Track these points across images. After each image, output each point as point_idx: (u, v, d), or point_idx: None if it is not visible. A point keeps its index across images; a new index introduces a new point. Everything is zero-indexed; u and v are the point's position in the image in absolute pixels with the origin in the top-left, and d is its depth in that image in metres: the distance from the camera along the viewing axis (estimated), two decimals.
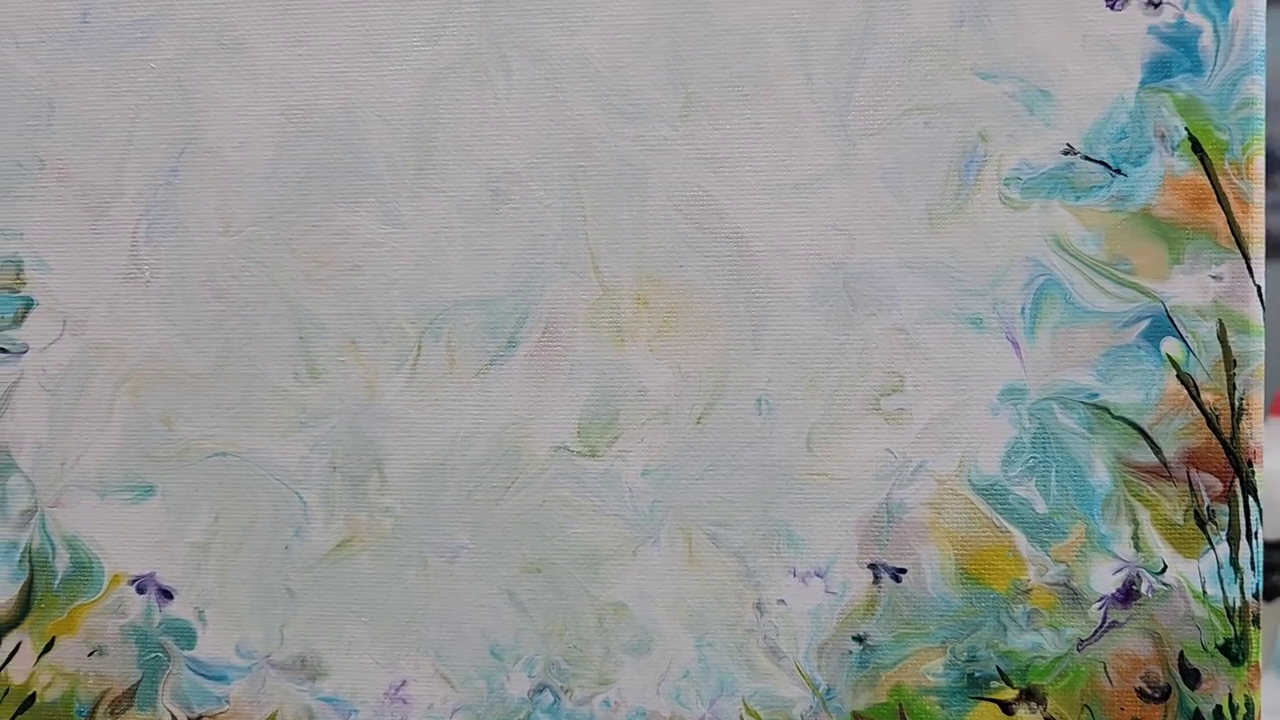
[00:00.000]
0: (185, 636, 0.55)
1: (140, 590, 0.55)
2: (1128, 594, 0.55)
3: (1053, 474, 0.52)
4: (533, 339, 0.52)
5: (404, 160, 0.53)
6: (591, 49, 0.52)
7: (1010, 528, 0.55)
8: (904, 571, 0.56)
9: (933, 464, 0.52)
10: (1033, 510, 0.54)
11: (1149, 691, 0.55)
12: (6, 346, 0.56)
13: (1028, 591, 0.55)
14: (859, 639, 0.56)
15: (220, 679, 0.54)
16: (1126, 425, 0.54)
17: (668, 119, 0.52)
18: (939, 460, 0.52)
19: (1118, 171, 0.54)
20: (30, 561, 0.56)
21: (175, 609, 0.55)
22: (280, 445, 0.54)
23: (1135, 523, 0.54)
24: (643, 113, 0.52)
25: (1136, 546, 0.54)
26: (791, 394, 0.53)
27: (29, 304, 0.56)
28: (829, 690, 0.52)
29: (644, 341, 0.53)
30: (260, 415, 0.54)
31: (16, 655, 0.56)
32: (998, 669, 0.56)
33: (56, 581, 0.56)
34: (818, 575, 0.56)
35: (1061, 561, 0.55)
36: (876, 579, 0.57)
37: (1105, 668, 0.55)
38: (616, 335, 0.53)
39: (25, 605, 0.61)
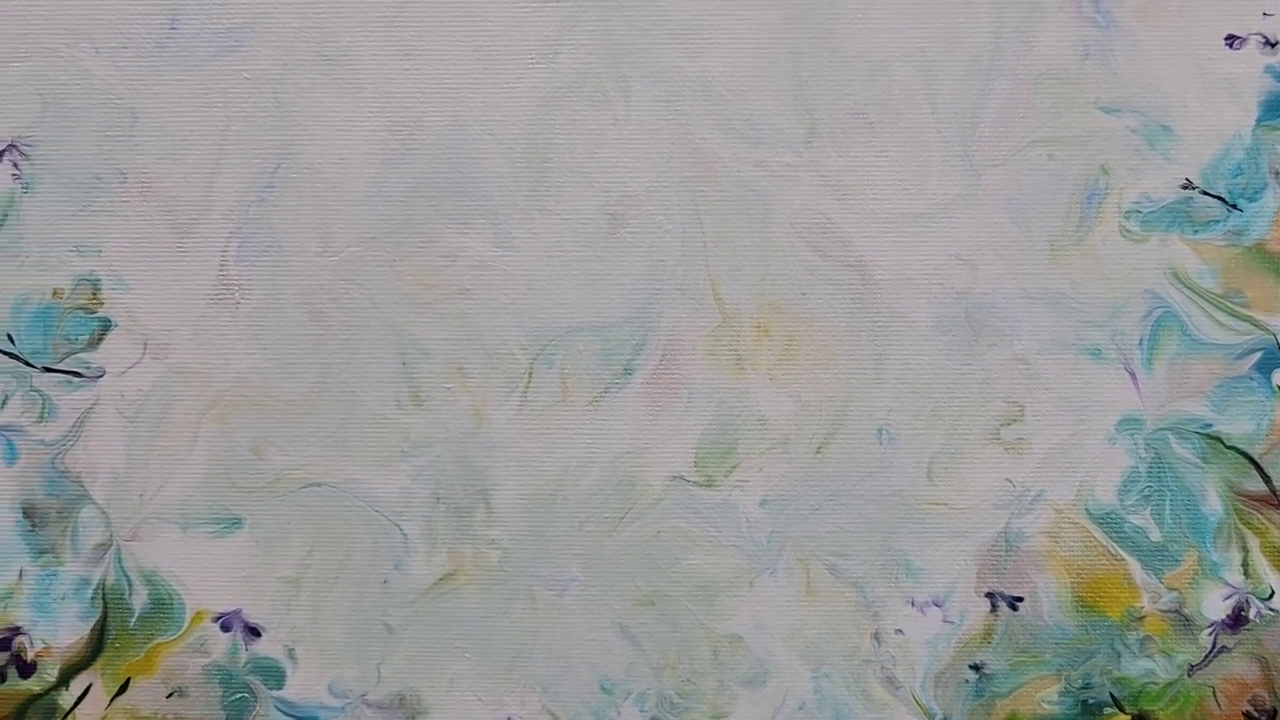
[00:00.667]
0: (274, 676, 0.51)
1: (225, 628, 0.51)
2: (1237, 620, 0.56)
3: (1167, 503, 0.52)
4: (649, 366, 0.51)
5: (517, 181, 0.50)
6: (714, 71, 0.50)
7: (1125, 556, 0.56)
8: (1021, 600, 0.55)
9: (1051, 493, 0.51)
10: (1147, 538, 0.53)
11: (1255, 714, 0.56)
12: (81, 370, 0.51)
13: (1141, 618, 0.55)
14: (975, 668, 0.56)
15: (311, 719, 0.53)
16: (1238, 455, 0.52)
17: (792, 145, 0.51)
18: (1057, 489, 0.52)
19: (1234, 206, 0.55)
20: (104, 598, 0.51)
21: (263, 647, 0.51)
22: (380, 475, 0.51)
23: (1245, 550, 0.55)
24: (766, 138, 0.51)
25: (1246, 573, 0.55)
26: (913, 423, 0.51)
27: (107, 325, 0.51)
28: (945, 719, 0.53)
29: (764, 370, 0.51)
30: (359, 444, 0.51)
31: (86, 698, 0.51)
32: (1111, 695, 0.56)
33: (133, 619, 0.51)
34: (935, 605, 0.55)
35: (1174, 589, 0.55)
36: (994, 608, 0.56)
37: (1214, 692, 0.56)
38: (736, 363, 0.51)
39: (97, 645, 0.56)
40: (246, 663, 0.55)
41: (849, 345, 0.54)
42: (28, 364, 0.51)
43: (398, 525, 0.51)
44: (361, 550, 0.51)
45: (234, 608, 0.51)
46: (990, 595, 0.54)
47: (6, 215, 0.51)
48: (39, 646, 0.54)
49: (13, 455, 0.52)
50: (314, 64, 0.51)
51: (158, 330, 0.51)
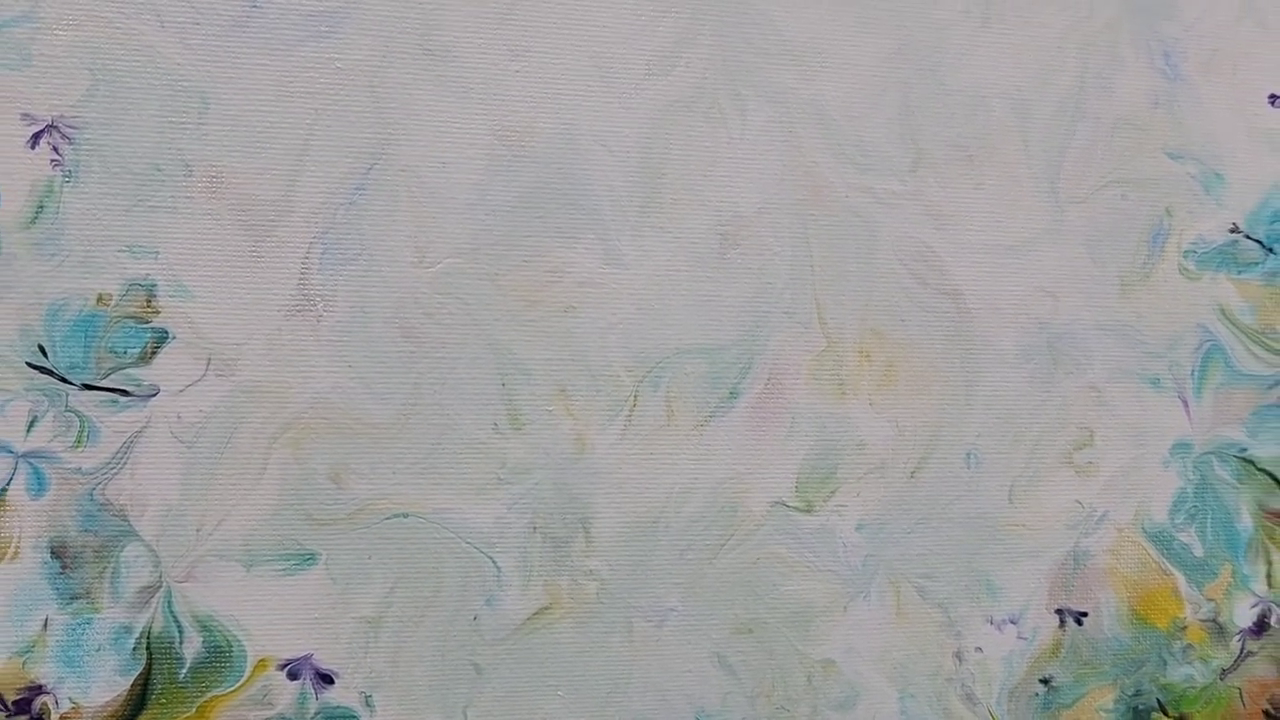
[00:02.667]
0: None
1: (292, 676, 0.44)
2: (1261, 626, 0.59)
3: (1208, 521, 0.51)
4: (755, 390, 0.47)
5: (629, 196, 0.45)
6: (828, 95, 0.47)
7: (1173, 570, 0.54)
8: (1085, 615, 0.51)
9: (1114, 514, 0.50)
10: (1191, 554, 0.51)
11: (1273, 712, 0.60)
12: (130, 388, 0.42)
13: (1184, 628, 0.56)
14: (1045, 681, 0.55)
15: None
16: (1267, 476, 0.53)
17: (897, 173, 0.48)
18: (1119, 510, 0.51)
19: (1270, 250, 0.59)
20: (148, 648, 0.42)
21: (336, 695, 0.44)
22: (474, 505, 0.45)
23: (1269, 562, 0.59)
24: (874, 165, 0.48)
25: (1270, 583, 0.59)
26: (997, 448, 0.49)
27: (163, 337, 0.42)
28: None
29: (865, 395, 0.48)
30: (452, 471, 0.45)
31: None
32: (1157, 701, 0.58)
33: (183, 671, 0.43)
34: (1012, 622, 0.55)
35: (1212, 600, 0.53)
36: (1062, 623, 0.51)
37: (1240, 693, 0.59)
38: (838, 388, 0.48)
39: (139, 702, 0.42)
40: (316, 713, 0.44)
41: (943, 371, 0.53)
42: (63, 380, 0.42)
43: (490, 558, 0.45)
44: (450, 585, 0.45)
45: (303, 653, 0.44)
46: (1059, 611, 0.56)
47: (43, 207, 0.41)
48: (66, 707, 0.42)
49: (41, 486, 0.42)
50: (415, 57, 0.44)
51: (225, 344, 0.43)
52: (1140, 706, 0.52)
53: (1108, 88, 0.50)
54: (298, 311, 0.44)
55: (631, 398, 0.46)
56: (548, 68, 0.45)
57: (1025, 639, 0.50)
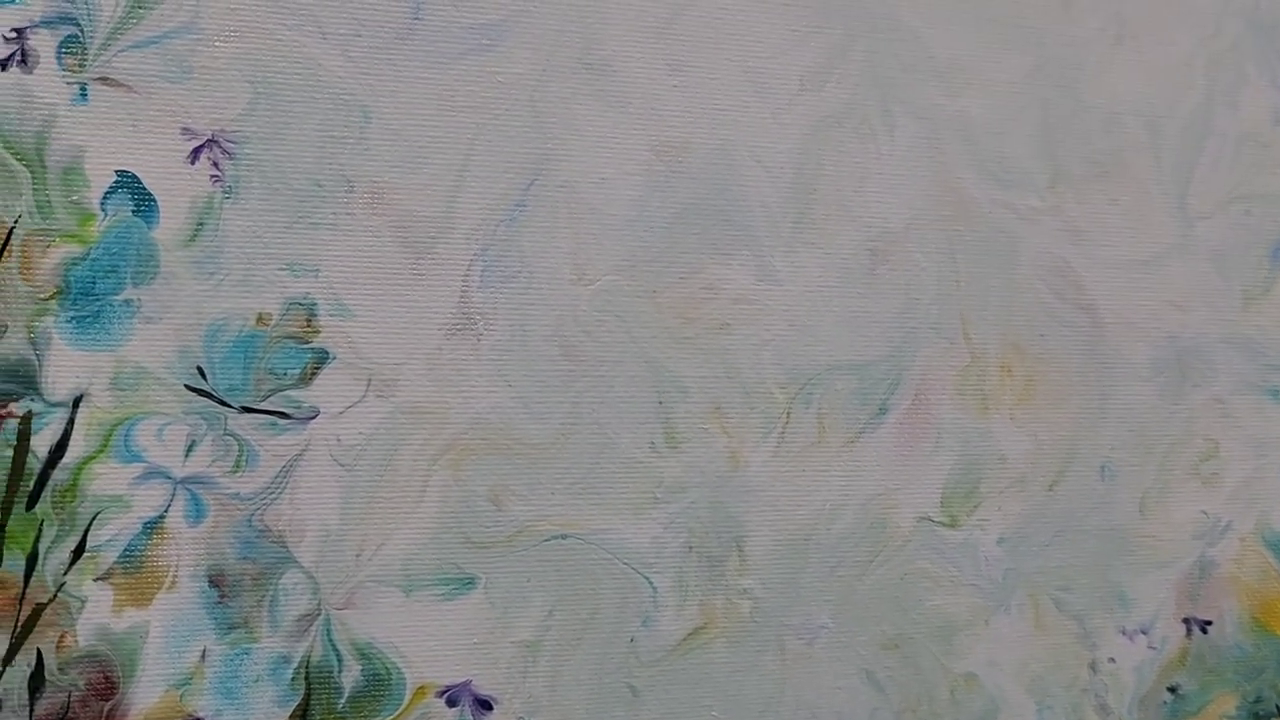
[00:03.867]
0: None
1: (451, 702, 0.42)
2: None
3: None
4: (903, 406, 0.45)
5: (783, 211, 0.43)
6: (973, 112, 0.46)
7: None
8: (1210, 623, 0.49)
9: (1237, 523, 0.50)
10: None
11: None
12: (290, 410, 0.39)
13: None
14: (1172, 689, 0.49)
15: None
16: None
17: (1037, 189, 0.47)
18: (1242, 520, 0.50)
19: None
20: (307, 678, 0.40)
21: None
22: (631, 524, 0.43)
23: None
24: (1016, 181, 0.46)
25: None
26: (1130, 460, 0.48)
27: (323, 357, 0.40)
28: None
29: (1006, 409, 0.46)
30: (610, 490, 0.42)
31: None
32: (1276, 707, 0.58)
33: (342, 701, 0.40)
34: (1143, 632, 0.55)
35: None
36: (1189, 632, 0.49)
37: None
38: (981, 403, 0.46)
39: None
40: None
41: (1079, 385, 0.47)
42: (222, 403, 0.39)
43: (647, 578, 0.43)
44: (607, 607, 0.43)
45: (462, 679, 0.42)
46: (1186, 621, 0.55)
47: (203, 224, 0.38)
48: None
49: (199, 512, 0.39)
50: (575, 72, 0.41)
51: (385, 364, 0.40)
52: (1261, 713, 0.52)
53: (1233, 104, 0.50)
54: (458, 330, 0.42)
55: (784, 415, 0.45)
56: (704, 83, 0.44)
57: (1155, 649, 0.50)
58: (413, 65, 0.41)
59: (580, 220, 0.42)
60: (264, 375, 0.40)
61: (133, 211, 0.39)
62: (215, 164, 0.39)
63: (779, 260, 0.44)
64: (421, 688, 0.42)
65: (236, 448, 0.40)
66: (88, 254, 0.38)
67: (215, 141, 0.39)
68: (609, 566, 0.43)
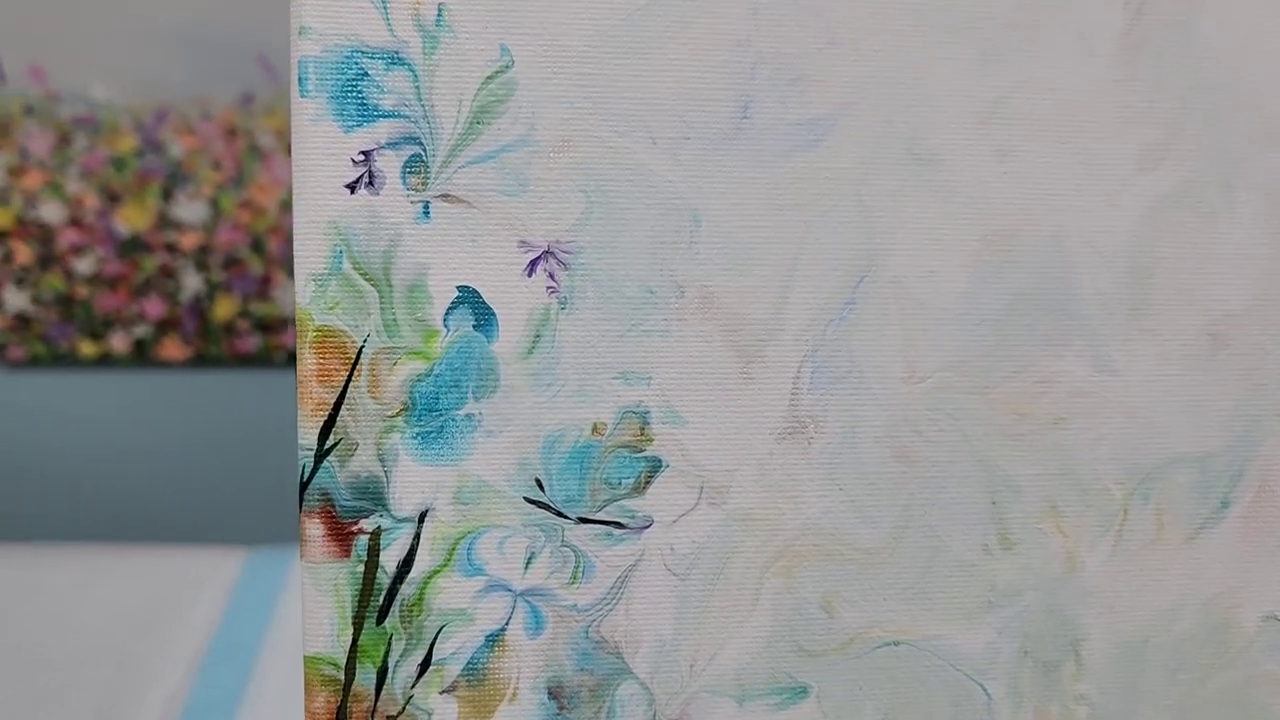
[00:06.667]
0: None
1: None
2: None
3: None
4: (1246, 499, 0.41)
5: (1118, 298, 0.39)
6: None
7: None
8: None
9: None
10: None
11: None
12: (624, 520, 0.37)
13: None
14: None
15: None
16: None
17: None
18: None
19: None
20: None
21: None
22: (964, 629, 0.39)
23: None
24: None
25: None
26: None
27: (656, 466, 0.38)
28: None
29: None
30: (942, 595, 0.39)
31: None
32: None
33: None
34: None
35: None
36: None
37: None
38: None
39: None
40: None
41: None
42: (560, 514, 0.37)
43: (981, 685, 0.39)
44: (941, 715, 0.40)
45: None
46: None
47: (540, 336, 0.36)
48: None
49: (538, 625, 0.37)
50: (902, 163, 0.37)
51: (716, 471, 0.37)
52: None
53: None
54: (789, 434, 0.40)
55: (1121, 511, 0.42)
56: (1034, 168, 0.40)
57: None
58: (741, 165, 0.38)
59: (910, 316, 0.39)
60: (599, 485, 0.38)
61: (473, 326, 0.37)
62: (551, 275, 0.37)
63: (1115, 350, 0.40)
64: None
65: (574, 559, 0.38)
66: (431, 370, 0.37)
67: (551, 253, 0.38)
68: (942, 673, 0.40)
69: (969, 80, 0.35)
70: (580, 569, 0.34)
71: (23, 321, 1.28)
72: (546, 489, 0.34)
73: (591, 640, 0.34)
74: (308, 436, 0.33)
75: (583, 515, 0.34)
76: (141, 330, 1.29)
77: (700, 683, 0.35)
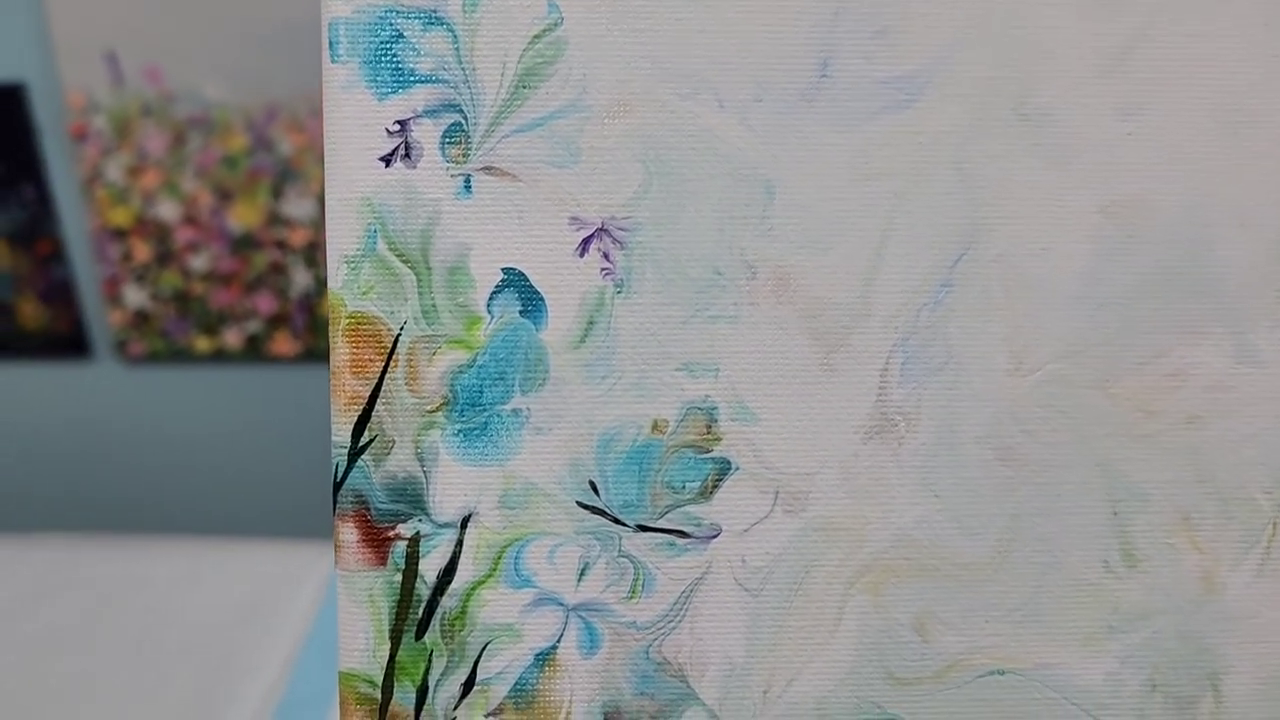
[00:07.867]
0: None
1: None
2: None
3: None
4: None
5: (1265, 278, 0.33)
6: None
7: None
8: None
9: None
10: None
11: None
12: (689, 529, 0.32)
13: None
14: None
15: None
16: None
17: None
18: None
19: None
20: None
21: None
22: (1081, 658, 0.34)
23: None
24: None
25: None
26: None
27: (725, 468, 0.33)
28: None
29: None
30: (1056, 618, 0.34)
31: None
32: None
33: None
34: None
35: None
36: None
37: None
38: None
39: None
40: None
41: None
42: (617, 521, 0.32)
43: None
44: None
45: None
46: None
47: (593, 323, 0.32)
48: None
49: (593, 643, 0.33)
50: (1009, 124, 0.32)
51: (794, 475, 0.33)
52: None
53: None
54: (876, 433, 0.35)
55: (1270, 525, 0.35)
56: (1166, 128, 0.34)
57: None
58: (820, 130, 0.33)
59: (1017, 299, 0.34)
60: (660, 489, 0.33)
61: (520, 312, 0.33)
62: (606, 255, 0.33)
63: (1261, 337, 0.34)
64: None
65: (632, 571, 0.33)
66: (474, 360, 0.33)
67: (605, 230, 0.33)
68: (1054, 708, 0.34)
69: (1086, 26, 0.29)
70: (640, 582, 0.30)
71: (142, 318, 1.30)
72: (601, 493, 0.30)
73: (652, 661, 0.30)
74: (341, 433, 0.29)
75: (642, 523, 0.30)
76: (253, 326, 1.30)
77: (776, 711, 0.30)
